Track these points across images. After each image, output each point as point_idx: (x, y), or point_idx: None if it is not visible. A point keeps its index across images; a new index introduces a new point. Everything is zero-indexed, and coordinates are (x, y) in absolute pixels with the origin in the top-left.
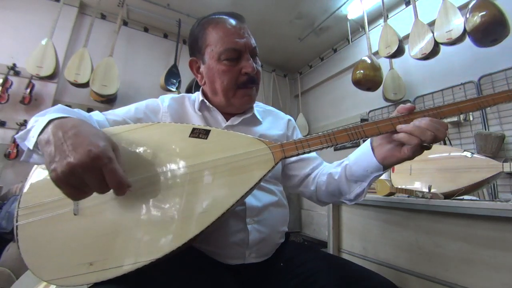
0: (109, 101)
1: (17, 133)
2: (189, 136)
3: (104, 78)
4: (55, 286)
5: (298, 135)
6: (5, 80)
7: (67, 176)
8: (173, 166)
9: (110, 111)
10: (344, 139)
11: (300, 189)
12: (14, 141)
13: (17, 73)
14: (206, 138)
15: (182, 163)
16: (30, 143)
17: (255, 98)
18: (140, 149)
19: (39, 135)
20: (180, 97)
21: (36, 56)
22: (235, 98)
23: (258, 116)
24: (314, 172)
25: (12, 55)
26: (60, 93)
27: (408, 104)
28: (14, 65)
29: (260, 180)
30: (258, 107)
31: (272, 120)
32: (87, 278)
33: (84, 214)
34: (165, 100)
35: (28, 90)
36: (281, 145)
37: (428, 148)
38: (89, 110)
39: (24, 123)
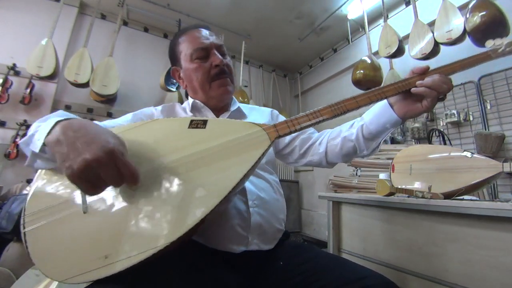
0: (109, 101)
1: (17, 133)
2: (188, 128)
3: (104, 78)
4: (55, 286)
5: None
6: (5, 80)
7: (83, 171)
8: (175, 157)
9: (107, 121)
10: (328, 114)
11: (307, 159)
12: (14, 141)
13: (17, 73)
14: (204, 128)
15: (183, 153)
16: (35, 146)
17: (232, 90)
18: (143, 144)
19: (46, 136)
20: (171, 105)
21: (36, 56)
22: (212, 90)
23: (244, 111)
24: (317, 140)
25: (12, 55)
26: (60, 93)
27: (423, 65)
28: (14, 65)
29: (259, 159)
30: (243, 106)
31: (257, 114)
32: (104, 270)
33: (94, 211)
34: (158, 107)
35: (28, 90)
36: (274, 126)
37: (443, 99)
38: (89, 110)
39: (24, 123)
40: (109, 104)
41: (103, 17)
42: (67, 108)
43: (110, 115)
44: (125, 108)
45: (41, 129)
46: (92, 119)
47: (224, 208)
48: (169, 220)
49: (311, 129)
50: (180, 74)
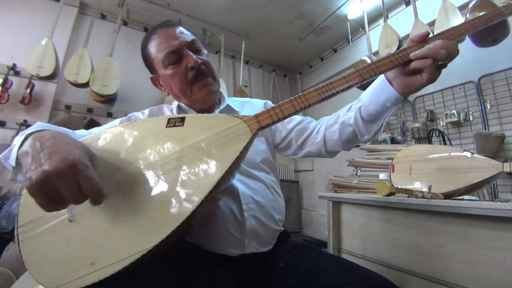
0: (109, 101)
1: (17, 133)
2: (166, 127)
3: (104, 78)
4: None
5: None
6: (5, 80)
7: (41, 184)
8: (154, 158)
9: (94, 128)
10: (315, 98)
11: (305, 150)
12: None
13: (17, 73)
14: (182, 125)
15: (162, 153)
16: (12, 160)
17: (215, 88)
18: (120, 148)
19: (18, 149)
20: (159, 107)
21: (36, 56)
22: (194, 94)
23: (235, 108)
24: (315, 129)
25: (12, 55)
26: (60, 93)
27: (422, 31)
28: (14, 65)
29: (241, 153)
30: (234, 102)
31: (250, 108)
32: (90, 277)
33: (79, 219)
34: (145, 111)
35: (28, 90)
36: (255, 116)
37: (444, 66)
38: (89, 110)
39: (24, 123)
40: (109, 104)
41: (103, 17)
42: (67, 108)
43: (110, 115)
44: (125, 108)
45: (18, 143)
46: (92, 119)
47: (213, 208)
48: (149, 224)
49: (308, 118)
50: (160, 82)
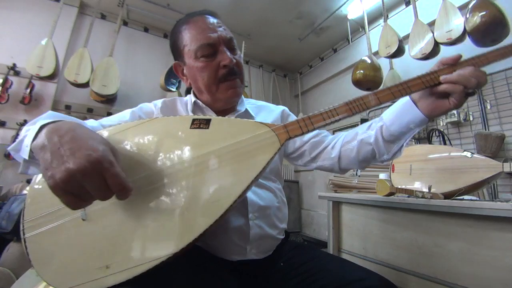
0: (109, 101)
1: (17, 133)
2: (190, 128)
3: (104, 78)
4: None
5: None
6: (5, 80)
7: (66, 183)
8: (176, 160)
9: (104, 118)
10: (344, 112)
11: (317, 163)
12: (14, 141)
13: (17, 73)
14: (207, 128)
15: (185, 156)
16: (24, 153)
17: (241, 91)
18: (141, 147)
19: (32, 142)
20: (172, 100)
21: (36, 56)
22: (219, 93)
23: (251, 112)
24: (330, 144)
25: (12, 55)
26: (60, 93)
27: (454, 54)
28: (14, 65)
29: (267, 164)
30: (250, 104)
31: (266, 114)
32: (105, 281)
33: (93, 219)
34: (157, 103)
35: (28, 90)
36: (284, 126)
37: (474, 94)
38: (89, 110)
39: (24, 123)
40: (109, 104)
41: (103, 17)
42: (67, 108)
43: (110, 115)
44: (125, 108)
45: (30, 134)
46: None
47: (231, 213)
48: (171, 231)
49: (325, 132)
50: (184, 71)
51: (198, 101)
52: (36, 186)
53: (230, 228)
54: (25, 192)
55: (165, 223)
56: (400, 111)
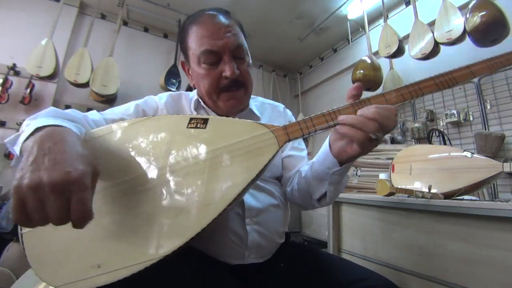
0: (109, 101)
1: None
2: (187, 127)
3: (104, 78)
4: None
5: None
6: (5, 80)
7: (30, 190)
8: (170, 161)
9: (108, 110)
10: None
11: (285, 189)
12: None
13: (17, 73)
14: (204, 128)
15: (179, 157)
16: (18, 149)
17: (244, 100)
18: (134, 146)
19: (24, 141)
20: (178, 94)
21: (36, 56)
22: (220, 101)
23: (256, 112)
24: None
25: (12, 55)
26: (60, 93)
27: (356, 84)
28: (14, 65)
29: (265, 167)
30: (256, 101)
31: (271, 113)
32: (96, 280)
33: None
34: (163, 97)
35: (28, 90)
36: (284, 128)
37: (379, 139)
38: (89, 110)
39: None
40: (109, 104)
41: (103, 17)
42: (67, 108)
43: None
44: None
45: (27, 130)
46: None
47: (226, 216)
48: (164, 232)
49: (305, 152)
50: (189, 71)
51: (201, 100)
52: None
53: (228, 233)
54: None
55: (157, 224)
56: (323, 149)
